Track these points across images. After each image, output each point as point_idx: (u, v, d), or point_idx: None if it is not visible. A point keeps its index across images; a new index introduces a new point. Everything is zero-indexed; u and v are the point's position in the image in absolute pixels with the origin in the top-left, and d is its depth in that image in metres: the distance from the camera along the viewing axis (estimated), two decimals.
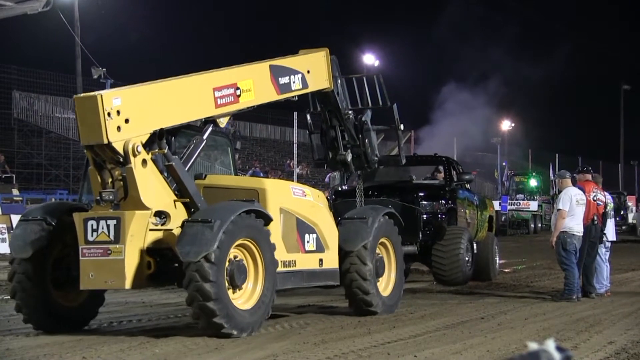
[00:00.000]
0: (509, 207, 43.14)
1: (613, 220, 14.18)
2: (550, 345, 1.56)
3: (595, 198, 13.99)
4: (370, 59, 47.88)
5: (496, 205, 35.91)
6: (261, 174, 35.76)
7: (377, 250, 11.52)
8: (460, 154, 40.72)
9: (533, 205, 43.83)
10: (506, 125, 56.73)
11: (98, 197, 9.28)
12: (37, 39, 39.65)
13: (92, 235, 9.08)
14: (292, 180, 35.78)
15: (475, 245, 16.22)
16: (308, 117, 12.97)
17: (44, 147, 35.88)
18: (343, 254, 11.14)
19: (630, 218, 39.38)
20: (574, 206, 13.37)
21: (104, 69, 27.66)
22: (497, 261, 17.51)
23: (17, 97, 39.13)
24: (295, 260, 10.46)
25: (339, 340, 9.14)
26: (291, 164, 41.74)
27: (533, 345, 1.57)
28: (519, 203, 43.86)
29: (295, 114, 25.77)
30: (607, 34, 74.36)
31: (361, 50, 48.15)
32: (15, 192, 33.11)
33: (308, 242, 10.72)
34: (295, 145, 29.15)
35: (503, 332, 9.88)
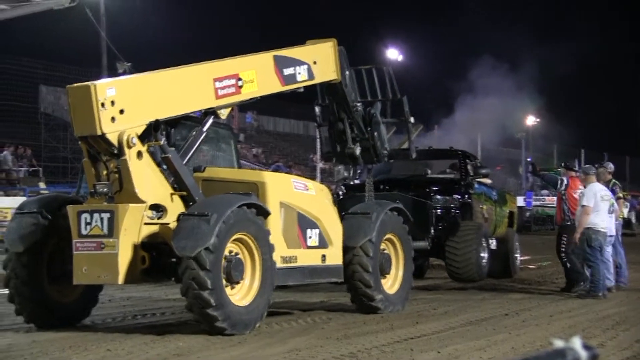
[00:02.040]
0: (533, 203, 42.54)
1: (613, 216, 13.82)
2: (577, 342, 1.56)
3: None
4: (393, 53, 47.34)
5: (520, 201, 35.37)
6: (284, 169, 35.49)
7: (384, 247, 11.13)
8: (484, 148, 40.21)
9: None
10: (531, 120, 55.77)
11: (92, 190, 9.00)
12: (64, 34, 39.52)
13: (85, 229, 8.79)
14: (315, 175, 35.55)
15: (493, 241, 15.77)
16: (316, 109, 12.56)
17: (69, 141, 35.77)
18: (346, 250, 10.74)
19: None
20: (598, 202, 13.24)
21: (129, 64, 27.50)
22: (518, 258, 17.07)
23: (43, 92, 39.14)
24: (296, 256, 10.08)
25: (361, 336, 9.01)
26: (314, 158, 41.49)
27: (559, 343, 1.57)
28: (544, 199, 43.21)
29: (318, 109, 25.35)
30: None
31: (384, 45, 47.65)
32: (42, 185, 33.12)
33: (310, 237, 10.34)
34: (318, 140, 28.81)
35: (528, 329, 9.67)
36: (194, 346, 8.20)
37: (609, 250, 13.79)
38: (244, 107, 44.04)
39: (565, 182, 14.48)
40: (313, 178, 27.84)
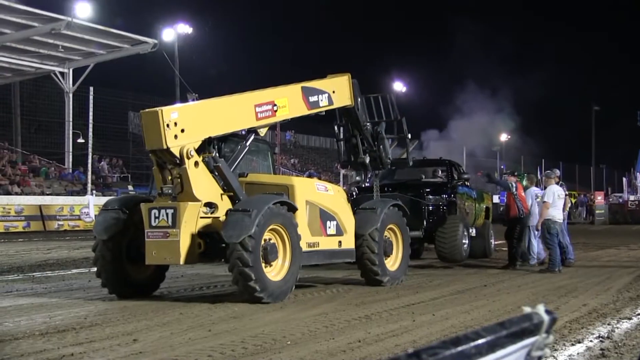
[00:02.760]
0: (505, 200, 41.98)
1: (537, 209, 13.99)
2: (541, 308, 1.56)
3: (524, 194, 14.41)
4: (399, 86, 47.04)
5: (495, 198, 34.93)
6: (315, 175, 35.34)
7: (387, 234, 10.89)
8: (468, 159, 39.77)
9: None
10: (504, 137, 55.23)
11: (160, 191, 8.84)
12: (148, 72, 39.79)
13: (155, 221, 8.62)
14: (339, 180, 35.32)
15: (473, 230, 15.49)
16: (335, 128, 12.33)
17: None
18: (357, 237, 10.53)
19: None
20: (555, 199, 13.16)
21: (197, 94, 27.44)
22: (493, 242, 16.81)
23: (131, 116, 39.29)
24: (318, 242, 9.85)
25: (374, 302, 8.85)
26: (337, 166, 41.34)
27: (527, 309, 1.57)
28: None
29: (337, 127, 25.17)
30: (583, 62, 72.48)
31: (391, 79, 47.36)
32: (130, 187, 33.23)
33: (329, 227, 10.11)
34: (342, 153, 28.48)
35: (501, 297, 9.51)
36: (246, 311, 8.06)
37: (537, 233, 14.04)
38: (283, 126, 44.10)
39: (514, 185, 14.48)
40: (337, 182, 27.60)
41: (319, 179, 14.64)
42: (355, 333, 6.72)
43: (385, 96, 12.33)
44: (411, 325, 7.16)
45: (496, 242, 17.73)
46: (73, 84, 33.90)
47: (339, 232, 10.29)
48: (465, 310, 8.20)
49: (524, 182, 15.00)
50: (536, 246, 14.39)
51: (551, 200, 13.03)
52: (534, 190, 14.68)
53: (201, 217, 8.74)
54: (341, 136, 12.24)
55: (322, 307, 8.43)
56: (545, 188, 13.60)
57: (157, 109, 8.58)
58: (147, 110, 8.77)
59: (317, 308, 8.38)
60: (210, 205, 8.87)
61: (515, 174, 15.40)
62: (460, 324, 7.27)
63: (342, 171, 36.27)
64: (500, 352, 1.42)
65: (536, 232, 14.25)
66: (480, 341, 1.38)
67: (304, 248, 9.31)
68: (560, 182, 14.91)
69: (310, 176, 17.96)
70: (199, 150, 8.84)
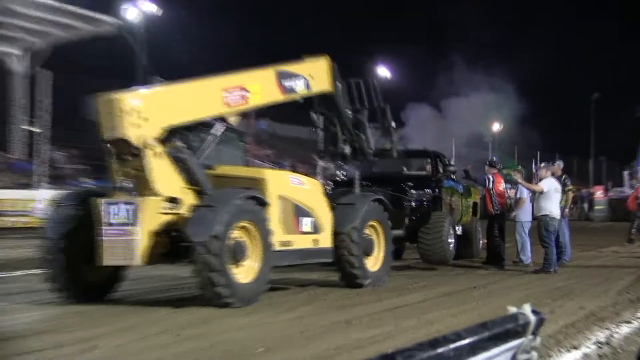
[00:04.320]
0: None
1: (529, 205, 14.42)
2: (527, 308, 1.58)
3: (504, 188, 14.74)
4: (383, 71, 47.00)
5: None
6: (286, 167, 35.31)
7: (367, 232, 10.86)
8: (458, 150, 39.93)
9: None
10: (496, 126, 55.48)
11: (118, 185, 8.69)
12: (116, 55, 39.34)
13: (111, 218, 8.48)
14: (317, 172, 35.21)
15: (460, 228, 15.43)
16: (313, 115, 12.21)
17: None
18: (335, 235, 10.47)
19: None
20: (552, 193, 13.16)
21: (161, 78, 27.15)
22: (481, 241, 16.71)
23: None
24: (292, 241, 9.78)
25: (355, 306, 8.82)
26: (316, 158, 41.17)
27: (512, 309, 1.60)
28: (507, 191, 42.83)
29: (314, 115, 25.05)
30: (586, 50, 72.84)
31: (376, 64, 47.29)
32: (86, 180, 32.90)
33: (304, 224, 10.04)
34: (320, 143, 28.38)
35: (492, 299, 9.55)
36: (215, 314, 7.99)
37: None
38: (258, 114, 43.86)
39: (491, 179, 14.57)
40: (315, 176, 27.54)
41: (293, 171, 14.54)
42: (333, 339, 6.68)
43: (368, 81, 12.26)
44: (394, 331, 7.15)
45: (484, 241, 17.81)
46: (31, 68, 33.48)
47: (315, 229, 10.23)
48: (452, 314, 8.21)
49: (514, 175, 15.08)
50: (529, 245, 14.54)
51: (546, 190, 13.06)
52: (552, 180, 14.51)
53: (163, 214, 8.62)
54: (320, 125, 12.13)
55: (297, 311, 8.40)
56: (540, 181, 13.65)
57: (114, 94, 8.44)
58: (102, 95, 8.61)
59: (292, 312, 8.35)
60: (174, 201, 8.74)
61: (495, 164, 15.51)
62: (446, 329, 7.23)
63: (320, 162, 36.20)
64: (483, 355, 1.40)
65: (526, 229, 14.45)
66: (460, 343, 1.36)
67: (277, 247, 9.22)
68: (564, 175, 14.98)
69: (283, 169, 17.91)
70: (161, 140, 8.71)
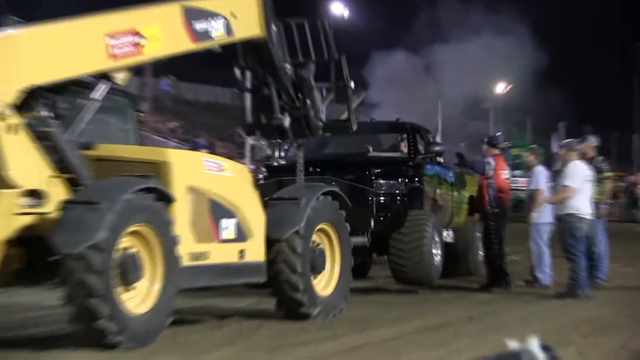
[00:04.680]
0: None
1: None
2: (534, 343, 1.67)
3: (507, 176, 15.21)
4: (338, 8, 47.11)
5: None
6: (204, 146, 35.24)
7: (316, 239, 11.08)
8: (446, 122, 40.34)
9: None
10: (501, 87, 55.42)
11: None
12: None
13: None
14: (243, 154, 35.26)
15: (450, 233, 15.73)
16: (237, 72, 12.33)
17: None
18: (270, 244, 10.67)
19: None
20: (582, 183, 13.30)
21: (19, 20, 26.98)
22: (479, 251, 16.99)
23: None
24: (207, 252, 9.92)
25: (298, 346, 8.93)
26: (242, 132, 41.04)
27: (514, 344, 1.70)
28: (516, 180, 43.21)
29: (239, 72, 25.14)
30: None
31: None
32: None
33: (225, 229, 10.20)
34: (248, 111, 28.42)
35: (495, 335, 9.58)
36: None
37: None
38: (158, 71, 43.67)
39: (492, 164, 14.79)
40: (239, 158, 27.63)
41: (211, 153, 14.65)
42: None
43: (317, 23, 12.44)
44: None
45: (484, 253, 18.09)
46: None
47: (241, 236, 10.41)
48: (438, 356, 8.40)
49: (526, 157, 15.33)
50: (547, 258, 14.77)
51: (577, 185, 13.22)
52: (541, 170, 14.99)
53: (19, 214, 8.65)
54: (247, 85, 12.26)
55: (216, 354, 8.50)
56: (563, 166, 13.79)
57: None
58: None
59: (209, 354, 8.44)
60: (35, 195, 8.77)
61: (497, 143, 15.80)
62: None
63: (248, 140, 36.16)
64: None
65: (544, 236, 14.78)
66: None
67: (185, 261, 9.35)
68: (599, 157, 15.15)
69: (196, 148, 17.96)
70: (17, 108, 8.75)
